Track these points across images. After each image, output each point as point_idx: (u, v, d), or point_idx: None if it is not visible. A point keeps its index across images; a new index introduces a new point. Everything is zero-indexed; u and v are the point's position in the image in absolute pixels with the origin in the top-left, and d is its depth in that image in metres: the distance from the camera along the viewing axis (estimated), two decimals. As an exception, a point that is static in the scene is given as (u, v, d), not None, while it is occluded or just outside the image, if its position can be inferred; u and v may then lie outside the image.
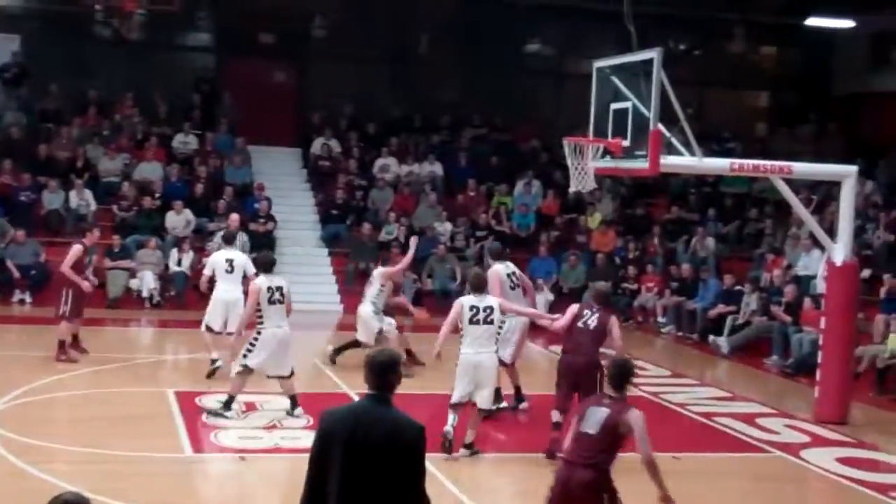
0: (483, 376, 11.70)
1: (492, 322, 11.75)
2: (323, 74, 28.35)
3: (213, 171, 25.19)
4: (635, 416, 7.66)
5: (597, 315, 11.93)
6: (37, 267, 21.74)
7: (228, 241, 16.71)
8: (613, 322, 12.02)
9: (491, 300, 11.91)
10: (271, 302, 12.77)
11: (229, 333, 14.55)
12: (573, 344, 11.92)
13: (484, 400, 11.76)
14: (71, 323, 16.01)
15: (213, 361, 15.22)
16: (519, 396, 14.10)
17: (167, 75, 27.92)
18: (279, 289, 12.90)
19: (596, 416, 7.69)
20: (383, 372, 6.11)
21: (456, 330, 11.84)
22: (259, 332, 12.77)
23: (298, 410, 12.93)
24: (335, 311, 22.75)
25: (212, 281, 16.16)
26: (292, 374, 13.03)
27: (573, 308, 12.23)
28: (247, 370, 12.77)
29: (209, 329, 15.52)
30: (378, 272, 16.44)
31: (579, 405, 8.19)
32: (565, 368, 11.92)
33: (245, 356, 12.76)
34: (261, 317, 12.75)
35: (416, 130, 27.91)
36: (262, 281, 12.95)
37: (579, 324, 11.89)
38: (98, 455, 11.24)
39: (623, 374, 7.89)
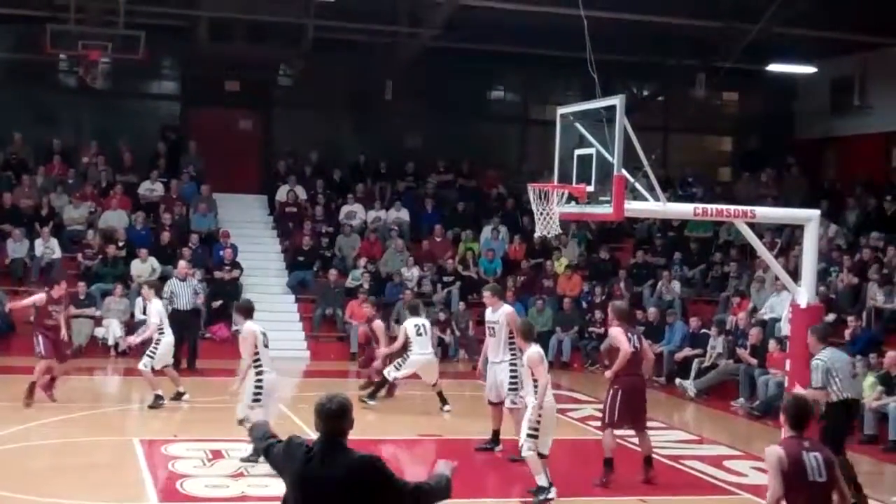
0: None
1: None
2: (288, 122, 28.42)
3: (179, 218, 25.15)
4: None
5: (636, 336, 12.84)
6: (0, 316, 21.59)
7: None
8: (643, 338, 13.09)
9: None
10: (266, 346, 12.71)
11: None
12: (634, 367, 12.68)
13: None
14: (47, 361, 16.60)
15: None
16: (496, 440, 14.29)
17: (132, 123, 27.94)
18: (265, 333, 12.83)
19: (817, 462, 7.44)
20: (334, 419, 6.11)
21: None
22: (261, 378, 12.61)
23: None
24: (302, 357, 22.73)
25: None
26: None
27: (620, 332, 12.77)
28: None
29: (156, 370, 16.79)
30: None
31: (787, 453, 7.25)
32: (633, 391, 12.69)
33: (257, 405, 12.58)
34: (259, 363, 12.61)
35: (381, 177, 27.98)
36: (255, 326, 12.79)
37: (631, 349, 12.63)
38: (63, 506, 11.14)
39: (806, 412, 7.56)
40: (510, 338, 13.69)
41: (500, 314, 14.03)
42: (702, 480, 13.58)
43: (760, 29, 23.72)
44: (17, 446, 13.73)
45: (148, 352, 16.88)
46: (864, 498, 12.04)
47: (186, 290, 20.79)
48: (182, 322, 20.54)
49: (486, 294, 14.65)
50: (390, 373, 16.85)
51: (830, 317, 19.14)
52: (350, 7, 23.09)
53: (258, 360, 12.63)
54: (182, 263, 21.49)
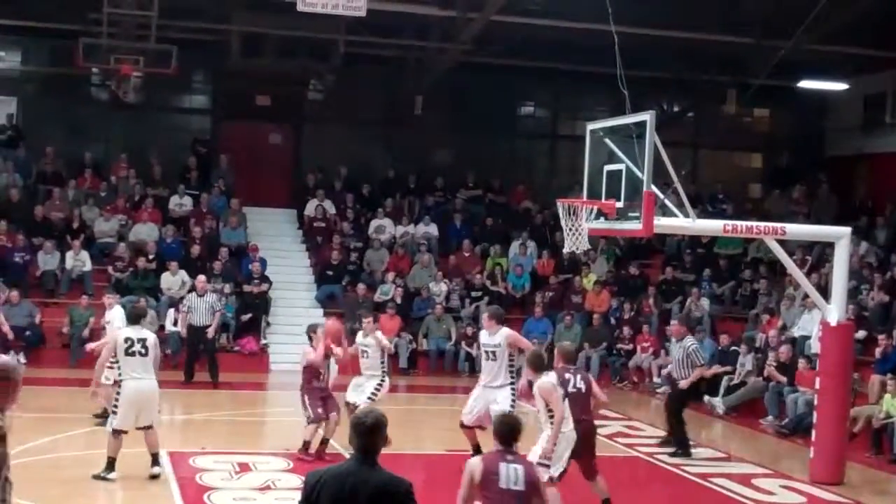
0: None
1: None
2: (318, 136, 28.51)
3: (209, 231, 25.26)
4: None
5: (580, 376, 11.79)
6: (31, 328, 21.73)
7: None
8: (592, 379, 12.10)
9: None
10: (129, 353, 12.58)
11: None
12: (577, 412, 11.47)
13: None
14: None
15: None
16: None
17: (164, 137, 28.10)
18: (142, 340, 12.69)
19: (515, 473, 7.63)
20: (369, 434, 6.13)
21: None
22: (119, 387, 12.56)
23: (157, 469, 12.72)
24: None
25: None
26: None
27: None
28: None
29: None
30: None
31: (484, 465, 7.70)
32: (578, 437, 11.44)
33: (114, 415, 12.53)
34: (119, 371, 12.59)
35: (410, 191, 28.01)
36: (120, 333, 12.81)
37: (571, 388, 11.51)
38: (91, 517, 11.16)
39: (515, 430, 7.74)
40: (510, 361, 13.42)
41: (499, 337, 13.47)
42: (730, 499, 13.49)
43: (792, 46, 23.62)
44: (46, 457, 13.78)
45: (108, 363, 16.37)
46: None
47: (203, 305, 20.89)
48: (197, 337, 20.76)
49: (485, 317, 14.04)
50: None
51: (861, 334, 19.05)
52: (381, 22, 23.15)
53: (118, 366, 12.59)
54: (201, 278, 21.54)
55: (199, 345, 20.92)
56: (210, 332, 20.90)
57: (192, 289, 21.88)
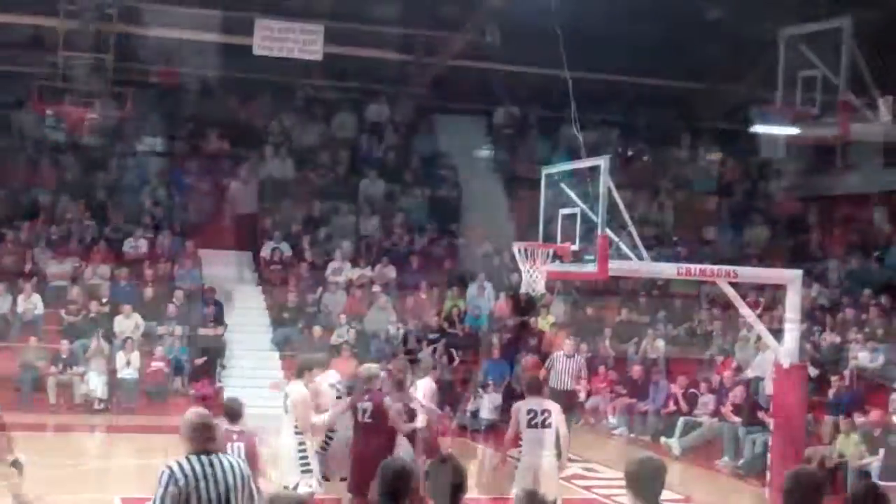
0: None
1: (549, 426, 11.54)
2: (275, 179, 28.39)
3: (163, 274, 25.09)
4: None
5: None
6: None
7: None
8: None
9: (548, 404, 11.67)
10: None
11: None
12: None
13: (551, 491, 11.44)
14: None
15: None
16: None
17: (119, 179, 27.88)
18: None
19: None
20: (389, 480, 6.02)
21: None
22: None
23: None
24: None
25: None
26: None
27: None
28: None
29: None
30: None
31: None
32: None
33: None
34: None
35: (367, 234, 27.96)
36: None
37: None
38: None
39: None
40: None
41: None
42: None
43: (744, 90, 23.94)
44: (-3, 504, 13.60)
45: None
46: None
47: None
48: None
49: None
50: None
51: (814, 375, 19.20)
52: (339, 66, 23.25)
53: None
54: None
55: None
56: None
57: (146, 333, 21.72)
